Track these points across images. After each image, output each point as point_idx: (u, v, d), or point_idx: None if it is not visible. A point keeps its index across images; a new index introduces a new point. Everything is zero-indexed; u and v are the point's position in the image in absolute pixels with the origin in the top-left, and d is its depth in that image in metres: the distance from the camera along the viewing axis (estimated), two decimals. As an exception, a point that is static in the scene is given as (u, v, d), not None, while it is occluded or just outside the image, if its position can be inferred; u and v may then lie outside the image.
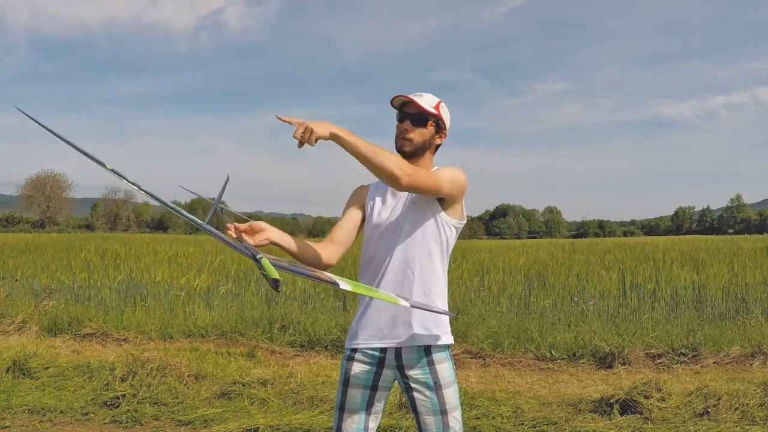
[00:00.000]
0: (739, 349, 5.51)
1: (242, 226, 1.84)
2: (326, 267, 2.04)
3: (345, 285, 1.67)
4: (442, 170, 2.02)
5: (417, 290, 2.01)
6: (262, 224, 1.87)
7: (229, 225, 1.83)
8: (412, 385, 2.02)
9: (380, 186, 2.15)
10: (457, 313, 1.98)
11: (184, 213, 1.89)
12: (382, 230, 2.06)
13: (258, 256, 1.57)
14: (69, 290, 9.43)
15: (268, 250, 1.86)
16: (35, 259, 14.41)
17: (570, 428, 3.81)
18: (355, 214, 2.14)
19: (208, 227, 1.83)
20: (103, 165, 1.87)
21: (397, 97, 2.05)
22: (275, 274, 1.45)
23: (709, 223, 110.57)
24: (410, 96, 2.03)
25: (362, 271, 2.12)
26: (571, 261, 14.62)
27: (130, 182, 1.91)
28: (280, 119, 1.78)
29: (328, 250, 2.06)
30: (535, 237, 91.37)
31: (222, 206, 2.32)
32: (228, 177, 2.55)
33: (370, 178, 2.19)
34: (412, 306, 1.81)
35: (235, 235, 1.81)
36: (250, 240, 1.82)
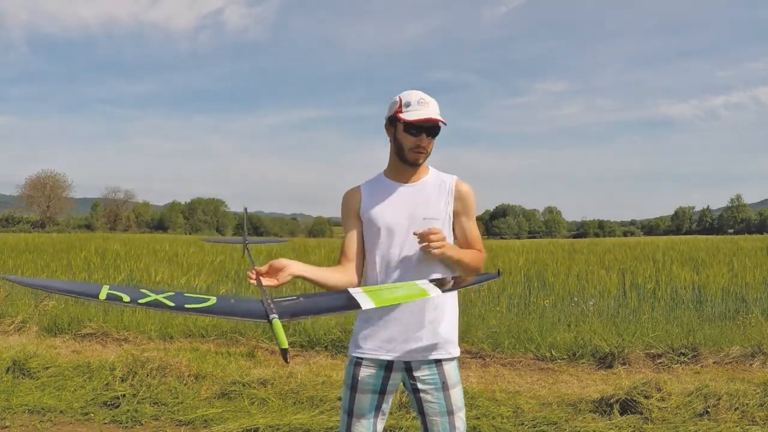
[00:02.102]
0: (739, 349, 5.51)
1: (262, 268, 1.81)
2: (353, 285, 2.04)
3: (368, 303, 1.64)
4: (476, 231, 2.09)
5: (430, 303, 2.00)
6: (282, 261, 1.83)
7: (250, 273, 1.78)
8: (420, 386, 2.01)
9: (376, 186, 2.11)
10: (498, 272, 1.95)
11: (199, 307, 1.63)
12: (391, 234, 2.03)
13: (271, 317, 1.49)
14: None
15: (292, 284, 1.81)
16: (35, 259, 14.40)
17: (570, 428, 3.81)
18: (359, 224, 2.11)
19: (217, 308, 1.61)
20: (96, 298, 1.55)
21: (427, 119, 1.95)
22: (285, 343, 1.38)
23: (709, 223, 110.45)
24: (431, 113, 1.96)
25: (372, 273, 2.07)
26: (571, 261, 14.60)
27: (126, 303, 1.58)
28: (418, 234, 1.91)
29: (349, 269, 2.06)
30: (535, 237, 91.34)
31: (248, 243, 2.27)
32: (246, 209, 2.50)
33: (362, 179, 2.17)
34: (444, 291, 1.79)
35: (255, 282, 1.76)
36: (272, 281, 1.79)
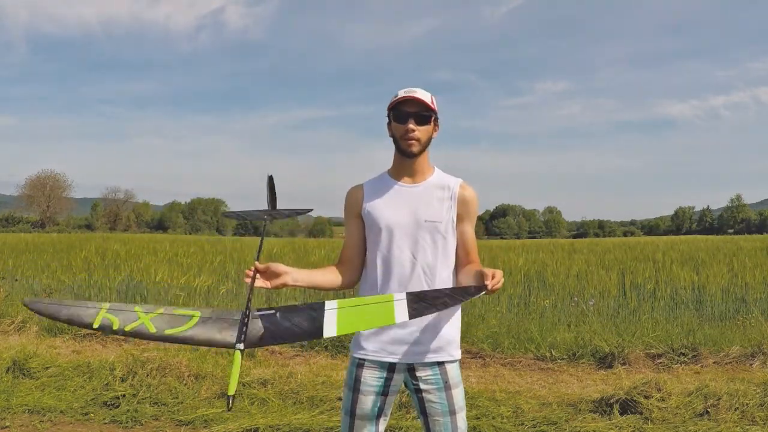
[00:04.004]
0: (739, 349, 5.52)
1: (261, 266, 1.87)
2: (351, 286, 2.09)
3: (331, 331, 1.67)
4: (473, 236, 2.11)
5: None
6: (281, 267, 1.88)
7: (247, 271, 1.86)
8: (422, 386, 2.01)
9: (378, 184, 2.09)
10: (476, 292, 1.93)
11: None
12: (392, 234, 2.01)
13: (237, 346, 1.60)
14: (69, 290, 9.43)
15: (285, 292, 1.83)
16: (35, 259, 14.41)
17: (570, 428, 3.81)
18: (359, 224, 2.10)
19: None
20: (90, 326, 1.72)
21: (403, 98, 1.96)
22: (231, 390, 1.48)
23: (709, 223, 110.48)
24: (414, 94, 1.96)
25: (371, 274, 2.06)
26: (571, 261, 14.59)
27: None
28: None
29: (345, 269, 2.08)
30: (535, 237, 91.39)
31: (271, 216, 2.37)
32: (271, 176, 2.49)
33: (362, 180, 2.16)
34: (412, 317, 1.73)
35: (249, 281, 1.83)
36: (266, 284, 1.86)
